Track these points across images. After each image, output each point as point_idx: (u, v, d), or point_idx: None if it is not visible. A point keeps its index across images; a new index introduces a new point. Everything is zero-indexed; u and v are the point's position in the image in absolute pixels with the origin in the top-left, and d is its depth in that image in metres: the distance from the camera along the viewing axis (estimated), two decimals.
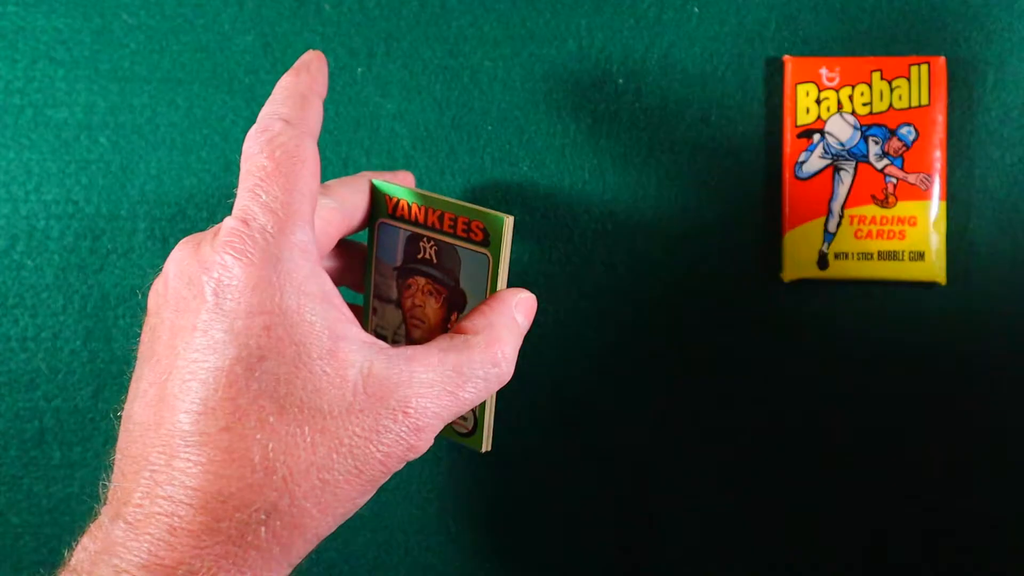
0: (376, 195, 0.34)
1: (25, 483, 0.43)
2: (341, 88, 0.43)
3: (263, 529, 0.25)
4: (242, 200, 0.28)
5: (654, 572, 0.42)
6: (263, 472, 0.25)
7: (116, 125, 0.43)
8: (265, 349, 0.26)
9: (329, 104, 0.43)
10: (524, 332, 0.32)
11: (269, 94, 0.43)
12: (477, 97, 0.43)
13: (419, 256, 0.34)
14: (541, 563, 0.43)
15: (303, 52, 0.43)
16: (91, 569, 0.25)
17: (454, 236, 0.33)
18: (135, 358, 0.29)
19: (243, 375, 0.26)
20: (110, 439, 0.43)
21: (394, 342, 0.34)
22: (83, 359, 0.43)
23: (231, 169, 0.43)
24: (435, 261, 0.34)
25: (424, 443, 0.29)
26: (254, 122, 0.43)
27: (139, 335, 0.29)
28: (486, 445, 0.34)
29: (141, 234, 0.43)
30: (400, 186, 0.34)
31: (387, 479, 0.28)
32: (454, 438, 0.35)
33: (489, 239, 0.33)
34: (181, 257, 0.28)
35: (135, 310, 0.43)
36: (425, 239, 0.34)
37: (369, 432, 0.27)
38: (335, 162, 0.43)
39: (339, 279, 0.37)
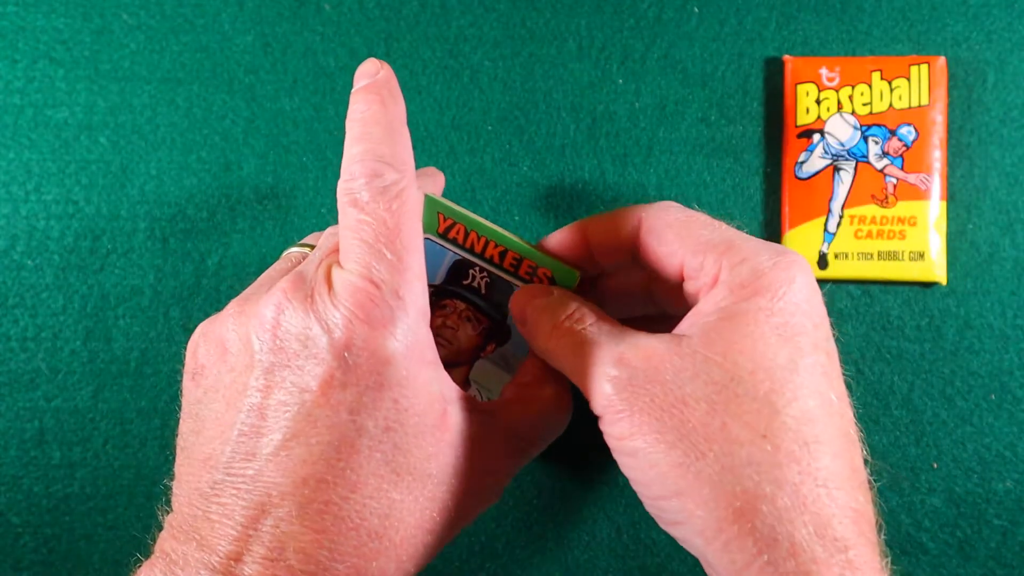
0: (427, 211, 0.33)
1: (25, 483, 0.43)
2: (341, 88, 0.43)
3: None
4: (361, 254, 0.27)
5: (660, 571, 0.42)
6: (377, 540, 0.25)
7: (116, 125, 0.43)
8: (391, 421, 0.26)
9: (329, 104, 0.43)
10: None
11: (269, 94, 0.44)
12: (477, 97, 0.43)
13: (465, 282, 0.34)
14: (543, 562, 0.43)
15: (303, 52, 0.44)
16: None
17: (514, 275, 0.33)
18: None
19: (367, 446, 0.25)
20: (110, 439, 0.43)
21: None
22: (83, 359, 0.43)
23: (231, 169, 0.43)
24: (484, 292, 0.34)
25: (499, 497, 0.31)
26: (254, 122, 0.43)
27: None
28: None
29: (141, 234, 0.43)
30: (457, 208, 0.33)
31: None
32: None
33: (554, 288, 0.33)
34: (288, 306, 0.27)
35: (135, 310, 0.43)
36: (477, 268, 0.34)
37: (465, 494, 0.28)
38: (335, 162, 0.43)
39: None
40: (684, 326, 0.28)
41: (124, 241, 0.43)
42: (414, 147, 0.43)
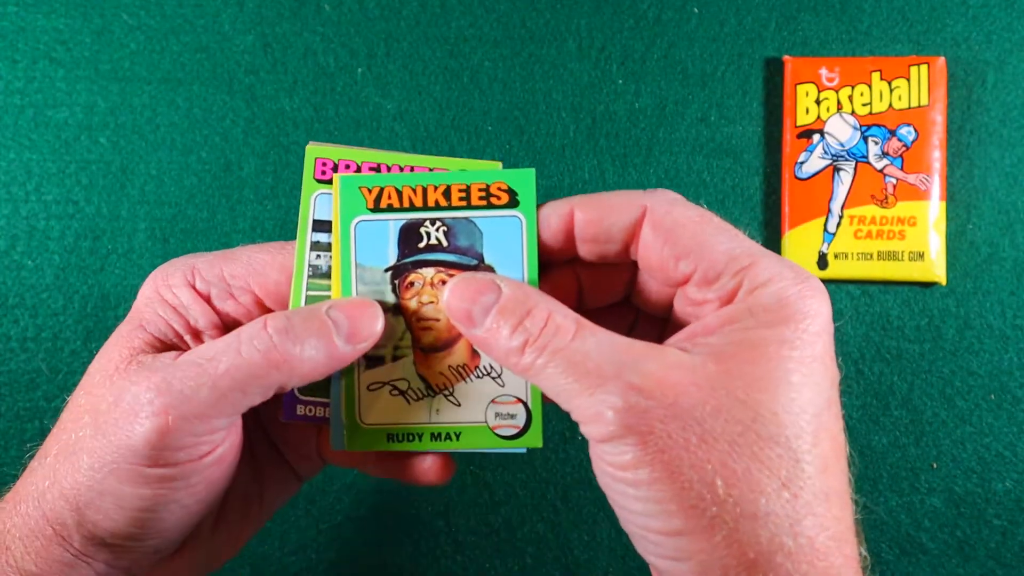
0: (346, 192, 0.30)
1: None
2: (341, 88, 0.43)
3: None
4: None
5: None
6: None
7: (116, 125, 0.43)
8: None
9: (329, 104, 0.43)
10: None
11: (269, 94, 0.44)
12: (477, 97, 0.43)
13: (422, 245, 0.30)
14: (544, 562, 0.43)
15: (303, 52, 0.44)
16: None
17: (468, 207, 0.30)
18: None
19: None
20: None
21: (396, 358, 0.30)
22: (83, 359, 0.43)
23: (231, 169, 0.43)
24: (446, 244, 0.30)
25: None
26: (254, 122, 0.42)
27: None
28: (541, 439, 0.31)
29: (141, 234, 0.43)
30: (379, 173, 0.30)
31: None
32: (502, 445, 0.31)
33: (517, 198, 0.30)
34: None
35: None
36: (428, 222, 0.30)
37: None
38: None
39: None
40: (685, 340, 0.26)
41: (124, 241, 0.43)
42: (414, 147, 0.43)
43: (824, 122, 0.42)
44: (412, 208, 0.30)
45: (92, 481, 0.27)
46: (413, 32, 0.44)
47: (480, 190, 0.30)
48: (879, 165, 0.41)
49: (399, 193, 0.30)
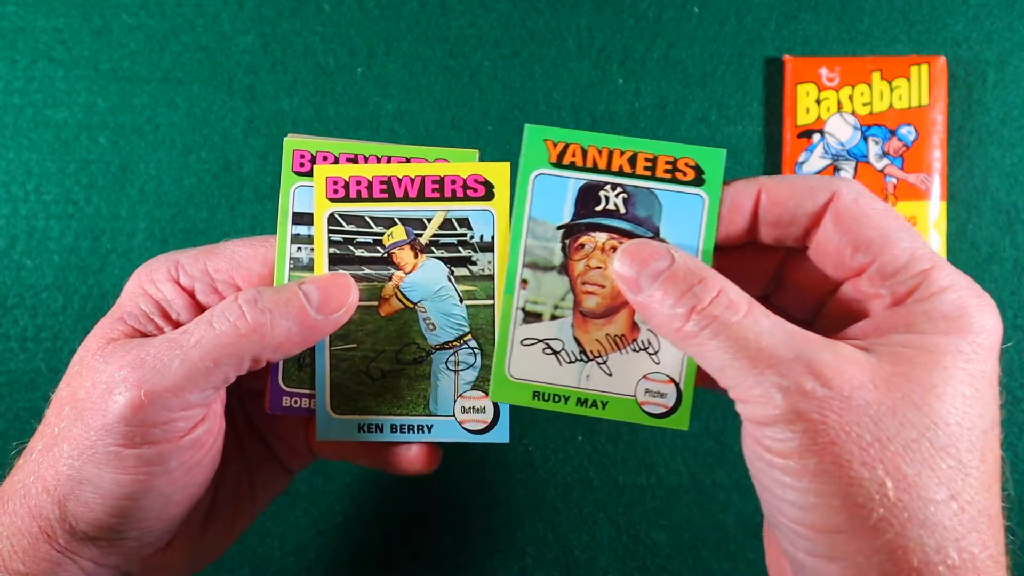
0: (530, 142, 0.30)
1: None
2: (341, 88, 0.43)
3: None
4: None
5: (660, 571, 0.42)
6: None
7: (116, 125, 0.43)
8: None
9: (329, 104, 0.43)
10: None
11: (269, 94, 0.44)
12: (477, 97, 0.43)
13: (599, 208, 0.30)
14: (544, 562, 0.43)
15: (303, 52, 0.44)
16: None
17: (652, 178, 0.29)
18: None
19: None
20: None
21: (554, 317, 0.30)
22: None
23: (231, 169, 0.43)
24: (624, 211, 0.29)
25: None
26: (254, 122, 0.42)
27: None
28: (688, 423, 0.31)
29: (141, 234, 0.43)
30: (565, 130, 0.30)
31: None
32: (648, 422, 0.30)
33: (703, 176, 0.29)
34: None
35: None
36: (609, 186, 0.30)
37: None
38: None
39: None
40: (857, 337, 0.26)
41: (124, 241, 0.43)
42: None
43: (824, 122, 0.42)
44: (595, 169, 0.30)
45: (71, 470, 0.27)
46: (413, 32, 0.44)
47: (667, 163, 0.29)
48: (879, 165, 0.41)
49: (584, 152, 0.30)
